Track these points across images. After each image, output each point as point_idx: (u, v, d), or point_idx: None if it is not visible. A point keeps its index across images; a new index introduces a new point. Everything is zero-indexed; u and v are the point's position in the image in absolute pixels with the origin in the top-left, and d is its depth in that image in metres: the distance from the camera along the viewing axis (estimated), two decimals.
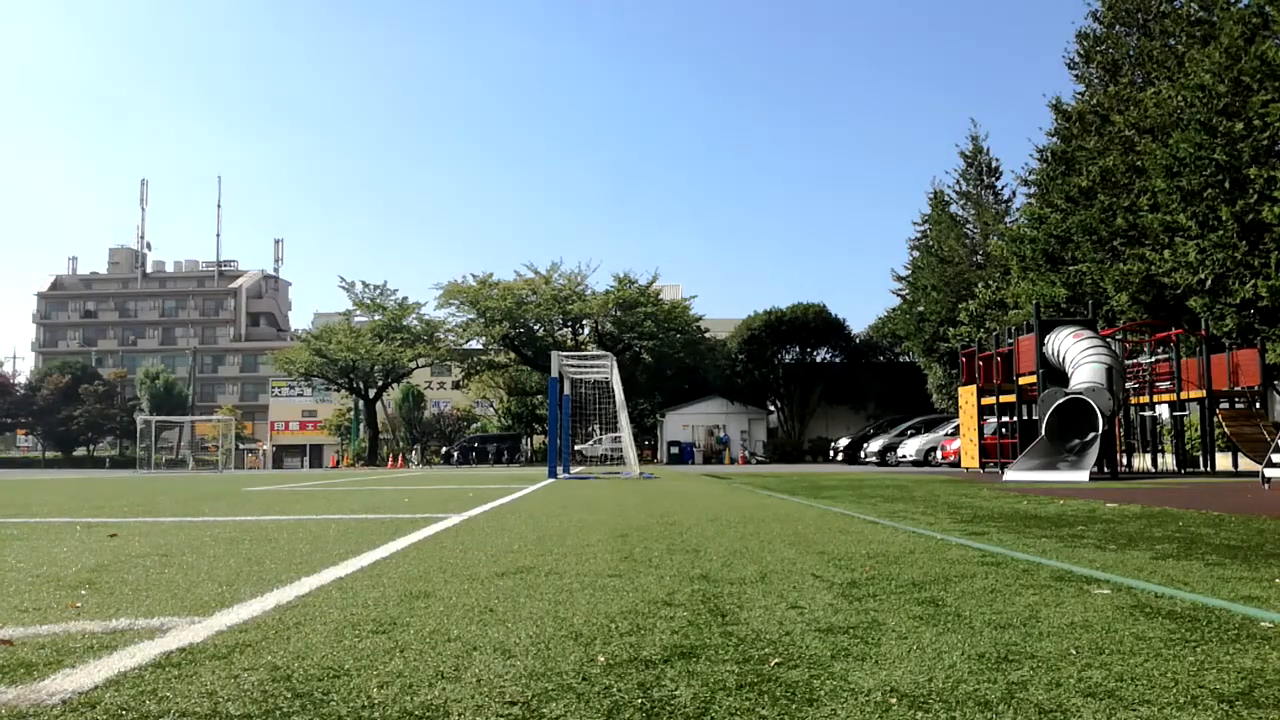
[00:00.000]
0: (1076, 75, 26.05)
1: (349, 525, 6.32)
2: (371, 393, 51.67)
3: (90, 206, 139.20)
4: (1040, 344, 16.98)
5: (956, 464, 22.94)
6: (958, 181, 37.15)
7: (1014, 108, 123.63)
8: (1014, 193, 35.75)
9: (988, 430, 19.95)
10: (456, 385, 57.41)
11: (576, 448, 30.66)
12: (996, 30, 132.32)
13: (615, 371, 20.42)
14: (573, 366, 21.69)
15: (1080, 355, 15.89)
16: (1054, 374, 16.70)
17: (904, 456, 27.88)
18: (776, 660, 2.14)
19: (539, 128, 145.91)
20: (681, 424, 46.16)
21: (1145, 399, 19.21)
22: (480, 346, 50.25)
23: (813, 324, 50.38)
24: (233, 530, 5.96)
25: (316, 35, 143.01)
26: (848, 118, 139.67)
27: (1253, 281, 17.17)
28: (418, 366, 52.55)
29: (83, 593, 3.28)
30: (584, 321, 48.56)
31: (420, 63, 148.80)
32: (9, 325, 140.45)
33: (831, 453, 35.60)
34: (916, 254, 38.54)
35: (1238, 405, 17.67)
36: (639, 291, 47.38)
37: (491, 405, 60.17)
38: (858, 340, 52.18)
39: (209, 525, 6.43)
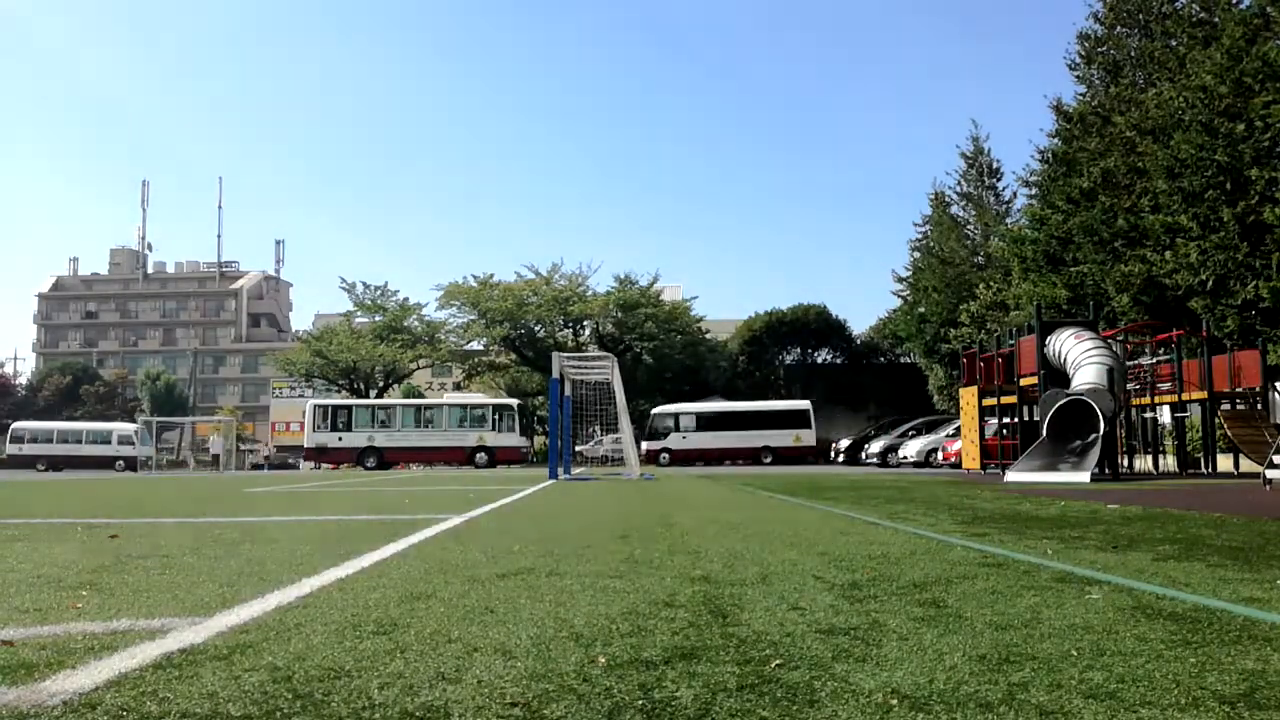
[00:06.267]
0: (1078, 76, 26.04)
1: (350, 526, 6.32)
2: (372, 394, 51.68)
3: (91, 207, 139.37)
4: (1041, 345, 16.97)
5: (958, 465, 22.92)
6: (959, 182, 37.19)
7: (1015, 109, 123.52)
8: (1015, 194, 35.78)
9: (989, 431, 19.94)
10: (457, 386, 57.34)
11: (577, 449, 30.64)
12: (997, 31, 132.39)
13: (616, 372, 20.41)
14: (573, 367, 21.68)
15: (1081, 356, 15.89)
16: (1055, 375, 16.69)
17: (905, 458, 27.85)
18: (777, 662, 2.13)
19: (540, 128, 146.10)
20: None
21: (1147, 400, 19.20)
22: (481, 348, 50.24)
23: (813, 325, 50.38)
24: (233, 531, 5.96)
25: (317, 36, 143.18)
26: (848, 118, 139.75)
27: (1254, 283, 17.17)
28: (419, 368, 52.54)
29: (84, 593, 3.28)
30: (585, 322, 48.54)
31: (421, 63, 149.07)
32: (10, 326, 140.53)
33: (832, 454, 35.58)
34: (917, 255, 38.55)
35: (1239, 407, 17.66)
36: (640, 292, 47.37)
37: None
38: (858, 341, 52.18)
39: (210, 526, 6.43)
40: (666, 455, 36.41)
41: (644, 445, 38.21)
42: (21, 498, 11.50)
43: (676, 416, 37.72)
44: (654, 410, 38.73)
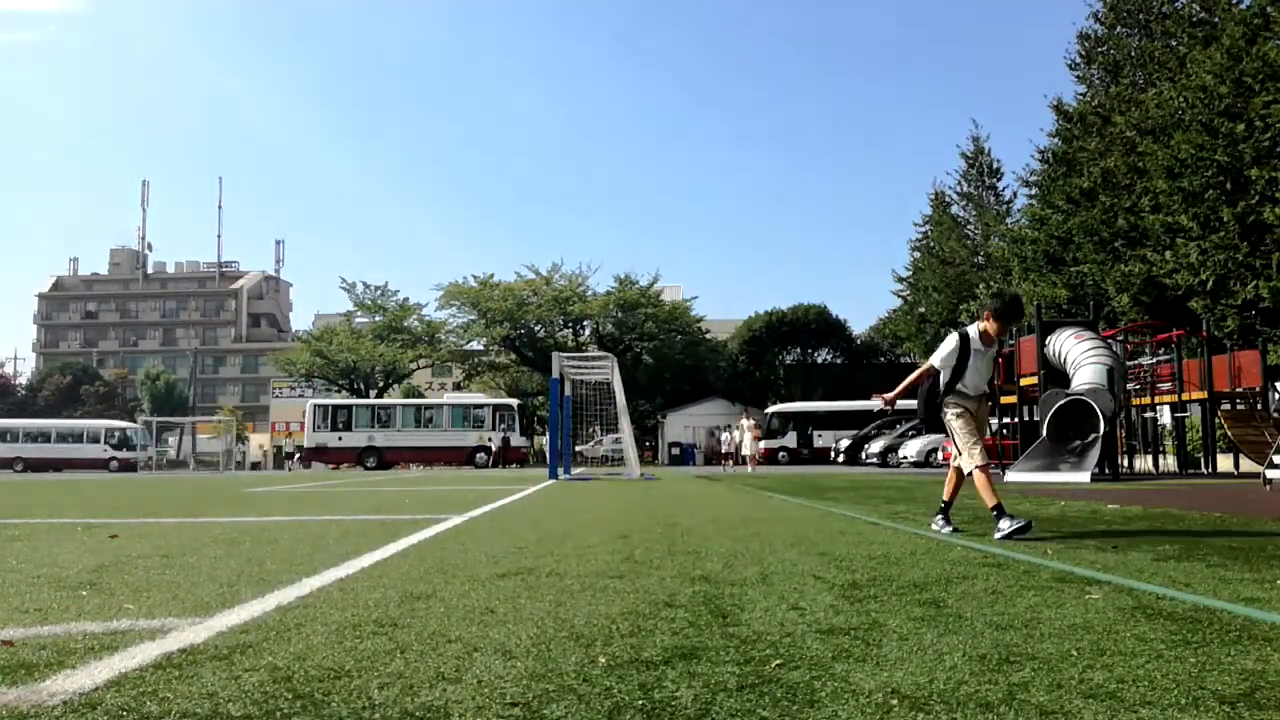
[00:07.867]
0: (1078, 76, 26.06)
1: (350, 526, 6.32)
2: (372, 394, 51.70)
3: (91, 207, 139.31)
4: (1041, 345, 16.97)
5: None
6: (959, 182, 37.20)
7: (1015, 108, 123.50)
8: (1015, 194, 35.82)
9: (988, 431, 19.94)
10: (457, 386, 57.30)
11: (577, 449, 30.64)
12: (997, 30, 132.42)
13: (616, 372, 20.41)
14: (573, 367, 21.68)
15: (1082, 356, 15.89)
16: (1055, 375, 16.69)
17: (905, 458, 27.85)
18: (777, 662, 2.13)
19: (540, 128, 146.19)
20: (682, 425, 46.11)
21: (1147, 400, 19.19)
22: (481, 348, 50.24)
23: (813, 325, 50.38)
24: (233, 531, 5.96)
25: (315, 35, 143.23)
26: (849, 118, 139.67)
27: (1254, 283, 17.18)
28: (419, 368, 52.56)
29: (84, 594, 3.28)
30: (585, 322, 48.55)
31: (421, 63, 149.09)
32: (10, 326, 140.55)
33: (833, 454, 35.55)
34: (917, 255, 38.55)
35: (1239, 407, 17.65)
36: (640, 292, 47.37)
37: None
38: (858, 341, 52.19)
39: (210, 526, 6.43)
40: None
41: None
42: (21, 498, 11.50)
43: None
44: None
